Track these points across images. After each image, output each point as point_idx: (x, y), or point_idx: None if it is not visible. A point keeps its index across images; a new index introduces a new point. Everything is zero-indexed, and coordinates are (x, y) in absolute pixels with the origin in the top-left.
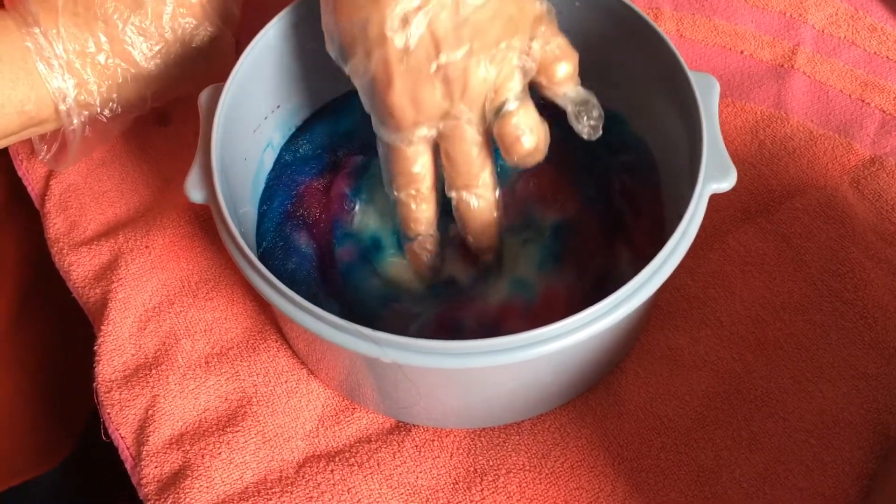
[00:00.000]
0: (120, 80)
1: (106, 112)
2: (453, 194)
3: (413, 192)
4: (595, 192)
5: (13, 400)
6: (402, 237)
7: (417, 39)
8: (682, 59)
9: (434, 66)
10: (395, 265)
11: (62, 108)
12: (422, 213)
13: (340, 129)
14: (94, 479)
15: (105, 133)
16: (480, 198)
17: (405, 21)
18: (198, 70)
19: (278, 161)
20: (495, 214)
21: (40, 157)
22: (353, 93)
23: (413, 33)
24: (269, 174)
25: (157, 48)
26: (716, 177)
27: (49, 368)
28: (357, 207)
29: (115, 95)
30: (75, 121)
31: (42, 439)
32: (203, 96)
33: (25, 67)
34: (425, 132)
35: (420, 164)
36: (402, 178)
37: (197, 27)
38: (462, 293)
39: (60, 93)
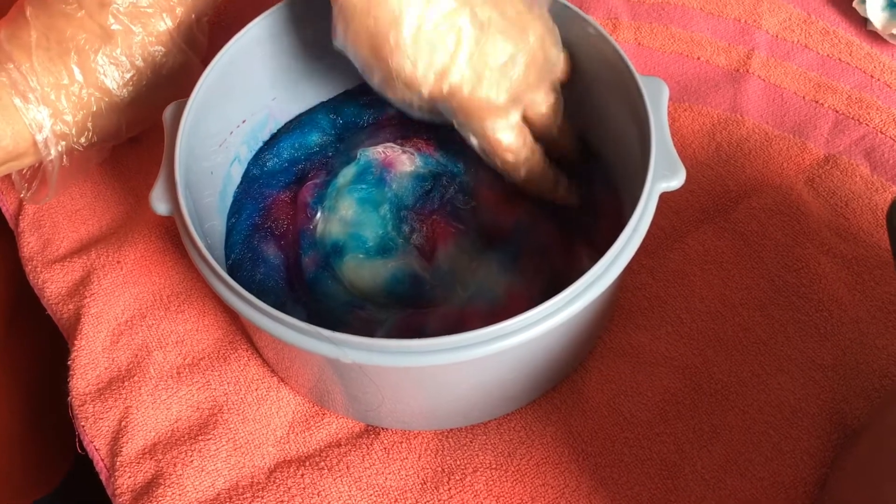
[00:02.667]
0: (94, 109)
1: (82, 141)
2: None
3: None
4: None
5: (8, 422)
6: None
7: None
8: (630, 64)
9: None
10: (353, 269)
11: (39, 138)
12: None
13: (307, 143)
14: (94, 494)
15: (83, 163)
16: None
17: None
18: (170, 96)
19: (245, 175)
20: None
21: (21, 195)
22: (319, 107)
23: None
24: (237, 188)
25: (128, 76)
26: (665, 175)
27: (42, 388)
28: (319, 215)
29: (90, 124)
30: (53, 151)
31: (40, 461)
32: (168, 111)
33: (1, 104)
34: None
35: (522, 133)
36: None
37: (166, 55)
38: (423, 299)
39: (37, 124)
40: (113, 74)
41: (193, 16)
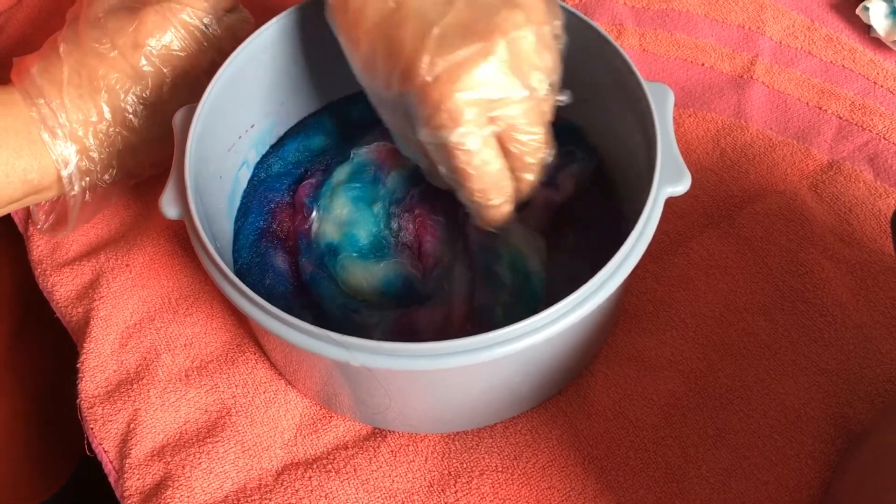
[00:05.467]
0: (120, 147)
1: (106, 178)
2: (525, 162)
3: (499, 192)
4: (555, 196)
5: (13, 426)
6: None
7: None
8: (636, 70)
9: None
10: (346, 269)
11: (64, 173)
12: (509, 209)
13: (311, 146)
14: (96, 498)
15: (104, 199)
16: (543, 157)
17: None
18: None
19: (251, 178)
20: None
21: (38, 226)
22: (324, 110)
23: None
24: (243, 192)
25: (156, 116)
26: (671, 180)
27: (47, 392)
28: (314, 215)
29: (115, 162)
30: (76, 187)
31: (44, 464)
32: (177, 117)
33: (29, 138)
34: (487, 117)
35: (497, 158)
36: (482, 183)
37: (195, 95)
38: (416, 296)
39: (63, 159)
40: (141, 114)
41: (222, 57)
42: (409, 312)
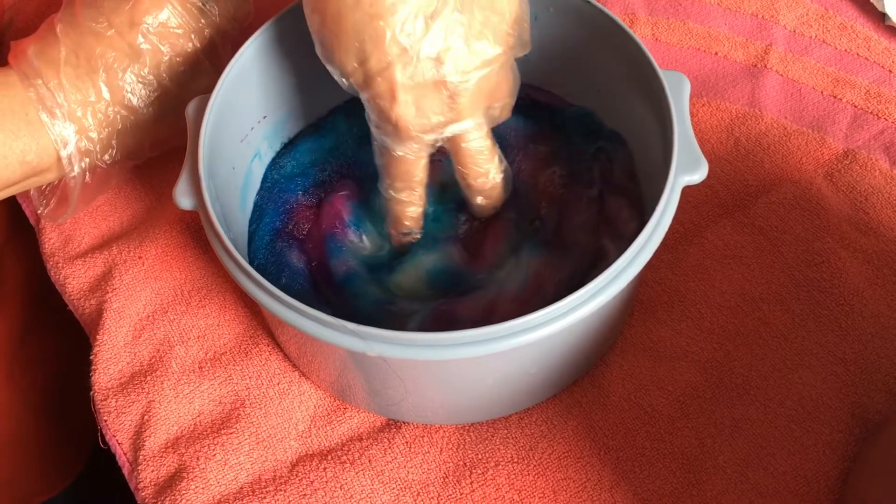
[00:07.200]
0: (119, 127)
1: (106, 158)
2: (468, 183)
3: (410, 194)
4: (579, 187)
5: (25, 419)
6: (392, 230)
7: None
8: (652, 58)
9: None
10: (396, 270)
11: (63, 154)
12: (416, 212)
13: (325, 146)
14: (108, 491)
15: (105, 181)
16: (492, 179)
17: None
18: None
19: (265, 179)
20: (503, 183)
21: (39, 211)
22: (338, 110)
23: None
24: (257, 194)
25: (155, 95)
26: (687, 169)
27: (58, 386)
28: (358, 229)
29: (114, 142)
30: (76, 168)
31: (55, 458)
32: (190, 107)
33: (27, 119)
34: (431, 139)
35: (420, 170)
36: (401, 183)
37: (192, 75)
38: (465, 286)
39: (62, 140)
40: (140, 93)
41: (220, 37)
42: (451, 301)
